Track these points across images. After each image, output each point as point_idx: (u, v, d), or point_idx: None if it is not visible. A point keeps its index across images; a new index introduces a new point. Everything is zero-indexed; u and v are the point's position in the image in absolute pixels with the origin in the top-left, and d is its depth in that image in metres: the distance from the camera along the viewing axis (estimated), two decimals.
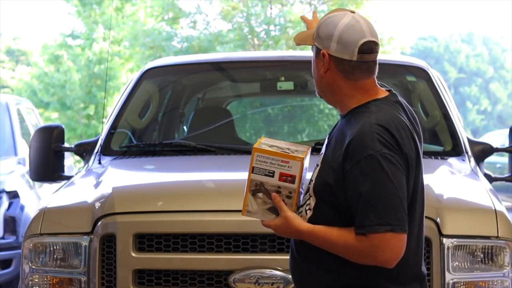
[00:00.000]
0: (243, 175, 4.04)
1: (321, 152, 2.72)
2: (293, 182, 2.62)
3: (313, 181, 2.65)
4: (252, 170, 2.65)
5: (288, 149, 2.67)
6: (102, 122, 5.29)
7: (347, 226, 2.54)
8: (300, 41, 2.77)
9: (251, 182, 2.65)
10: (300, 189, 2.65)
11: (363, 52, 2.59)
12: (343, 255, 2.56)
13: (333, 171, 2.57)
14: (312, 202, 2.63)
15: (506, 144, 4.70)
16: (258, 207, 2.65)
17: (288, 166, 2.61)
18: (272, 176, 2.62)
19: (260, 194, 2.65)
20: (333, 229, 2.56)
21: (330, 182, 2.57)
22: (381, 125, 2.54)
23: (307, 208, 2.66)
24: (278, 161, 2.62)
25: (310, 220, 2.62)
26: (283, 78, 5.21)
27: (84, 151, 4.68)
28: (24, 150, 7.86)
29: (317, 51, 2.67)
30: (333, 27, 2.62)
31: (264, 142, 2.70)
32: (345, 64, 2.61)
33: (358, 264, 2.56)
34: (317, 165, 2.68)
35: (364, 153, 2.50)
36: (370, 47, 2.60)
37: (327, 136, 2.76)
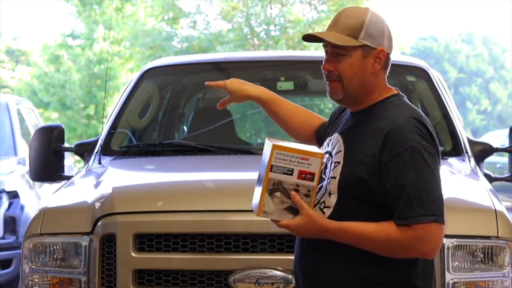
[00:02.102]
0: (243, 175, 4.06)
1: (330, 150, 2.69)
2: (312, 179, 2.55)
3: (336, 178, 2.60)
4: (271, 169, 2.54)
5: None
6: (102, 122, 5.29)
7: (375, 220, 2.53)
8: (342, 42, 2.64)
9: (269, 181, 2.54)
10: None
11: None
12: (379, 250, 2.54)
13: (365, 164, 2.55)
14: (333, 199, 2.60)
15: (506, 144, 4.69)
16: (275, 207, 2.56)
17: (308, 163, 2.54)
18: (291, 174, 2.54)
19: (278, 194, 2.56)
20: (368, 224, 2.53)
21: (362, 176, 2.55)
22: (416, 119, 2.59)
23: (322, 207, 2.63)
24: (298, 158, 2.54)
25: (330, 218, 2.58)
26: (283, 78, 5.21)
27: (84, 151, 4.68)
28: (24, 150, 7.86)
29: (366, 50, 2.63)
30: (382, 24, 2.66)
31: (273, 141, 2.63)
32: (388, 59, 2.69)
33: (387, 260, 2.55)
34: (337, 162, 2.63)
35: (405, 144, 2.52)
36: None
37: (331, 135, 2.75)
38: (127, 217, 3.43)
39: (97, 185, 3.77)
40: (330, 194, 2.61)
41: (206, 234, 3.34)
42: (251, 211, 3.34)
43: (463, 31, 51.11)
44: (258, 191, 2.60)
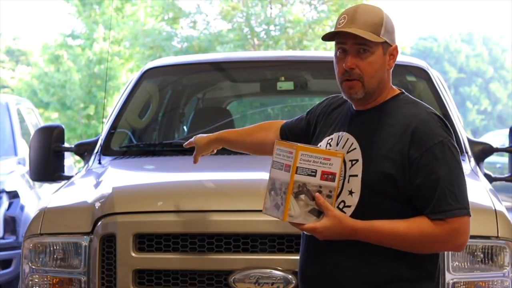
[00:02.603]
0: (243, 175, 4.06)
1: (337, 149, 2.65)
2: (333, 180, 2.52)
3: (358, 176, 2.56)
4: (296, 170, 2.49)
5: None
6: (102, 122, 5.29)
7: (401, 217, 2.52)
8: (371, 38, 2.60)
9: (294, 184, 2.49)
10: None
11: None
12: (412, 247, 2.52)
13: (391, 161, 2.53)
14: (355, 198, 2.56)
15: (506, 144, 4.69)
16: (300, 210, 2.51)
17: (330, 164, 2.51)
18: (315, 176, 2.50)
19: (303, 196, 2.50)
20: (398, 221, 2.52)
21: (390, 172, 2.52)
22: (436, 114, 2.62)
23: (341, 206, 2.58)
24: (321, 159, 2.51)
25: (352, 217, 2.55)
26: (283, 78, 5.22)
27: (84, 151, 4.68)
28: (24, 150, 7.86)
29: (385, 47, 2.65)
30: (392, 21, 2.67)
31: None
32: None
33: (412, 255, 2.55)
34: (354, 160, 2.59)
35: (434, 139, 2.53)
36: None
37: (331, 134, 2.73)
38: (127, 217, 3.43)
39: (97, 185, 3.77)
40: (351, 192, 2.57)
41: (206, 234, 3.34)
42: (251, 211, 3.35)
43: (463, 31, 51.15)
44: (275, 198, 2.55)
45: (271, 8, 21.40)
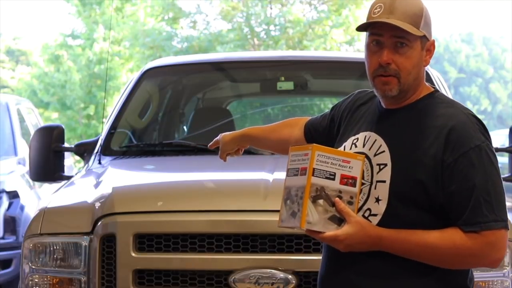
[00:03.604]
0: (243, 175, 4.06)
1: (364, 151, 2.42)
2: (354, 185, 2.31)
3: (386, 182, 2.34)
4: (313, 172, 2.27)
5: None
6: (102, 122, 5.29)
7: (431, 228, 2.29)
8: (413, 31, 2.35)
9: (311, 187, 2.27)
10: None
11: None
12: (443, 260, 2.30)
13: (423, 166, 2.30)
14: (382, 206, 2.33)
15: (506, 144, 4.69)
16: (319, 216, 2.28)
17: (349, 167, 2.31)
18: (333, 179, 2.29)
19: (321, 201, 2.28)
20: (429, 231, 2.28)
21: (421, 179, 2.29)
22: (474, 116, 2.40)
23: (367, 215, 2.35)
24: (339, 161, 2.30)
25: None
26: (283, 78, 5.21)
27: (84, 151, 4.68)
28: (24, 150, 7.86)
29: (423, 41, 2.40)
30: (429, 13, 2.42)
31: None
32: None
33: (442, 269, 2.33)
34: (382, 164, 2.37)
35: (471, 143, 2.30)
36: None
37: (356, 133, 2.51)
38: (127, 217, 3.43)
39: (97, 185, 3.77)
40: (378, 200, 2.34)
41: (206, 234, 3.34)
42: (251, 211, 3.35)
43: (463, 31, 51.14)
44: (291, 207, 2.33)
45: (271, 8, 21.41)
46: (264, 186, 3.48)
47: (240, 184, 3.78)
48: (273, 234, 3.30)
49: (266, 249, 3.32)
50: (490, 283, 3.35)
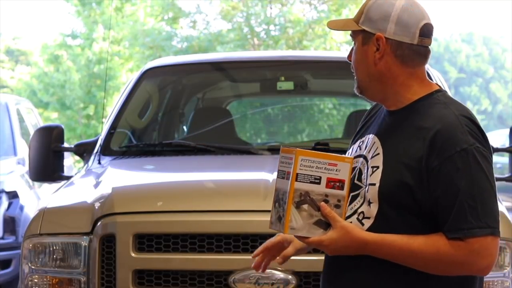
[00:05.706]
0: (243, 175, 4.06)
1: (364, 153, 2.39)
2: (341, 188, 2.28)
3: (376, 185, 2.29)
4: (296, 177, 2.24)
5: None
6: (102, 122, 5.29)
7: (420, 233, 2.24)
8: (338, 27, 2.42)
9: (295, 192, 2.24)
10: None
11: (423, 35, 2.33)
12: (426, 266, 2.24)
13: (410, 169, 2.24)
14: (373, 209, 2.29)
15: (506, 144, 4.69)
16: (303, 221, 2.26)
17: (336, 170, 2.27)
18: (319, 183, 2.26)
19: (305, 206, 2.25)
20: (414, 236, 2.23)
21: (408, 181, 2.23)
22: (467, 117, 2.28)
23: (360, 218, 2.31)
24: (325, 164, 2.26)
25: (370, 231, 2.27)
26: (283, 78, 5.22)
27: (83, 151, 4.68)
28: (23, 150, 7.86)
29: (365, 37, 2.35)
30: (390, 7, 2.32)
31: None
32: (404, 48, 2.32)
33: (439, 278, 2.26)
34: (375, 167, 2.32)
35: (457, 147, 2.21)
36: (430, 30, 2.35)
37: (359, 135, 2.49)
38: (127, 217, 3.43)
39: (96, 185, 3.77)
40: (370, 203, 2.30)
41: (206, 234, 3.34)
42: (251, 211, 3.35)
43: (463, 31, 51.12)
44: (278, 210, 2.33)
45: (271, 8, 21.40)
46: (264, 186, 3.48)
47: (240, 184, 3.78)
48: (273, 234, 3.29)
49: None
50: (490, 283, 3.35)
